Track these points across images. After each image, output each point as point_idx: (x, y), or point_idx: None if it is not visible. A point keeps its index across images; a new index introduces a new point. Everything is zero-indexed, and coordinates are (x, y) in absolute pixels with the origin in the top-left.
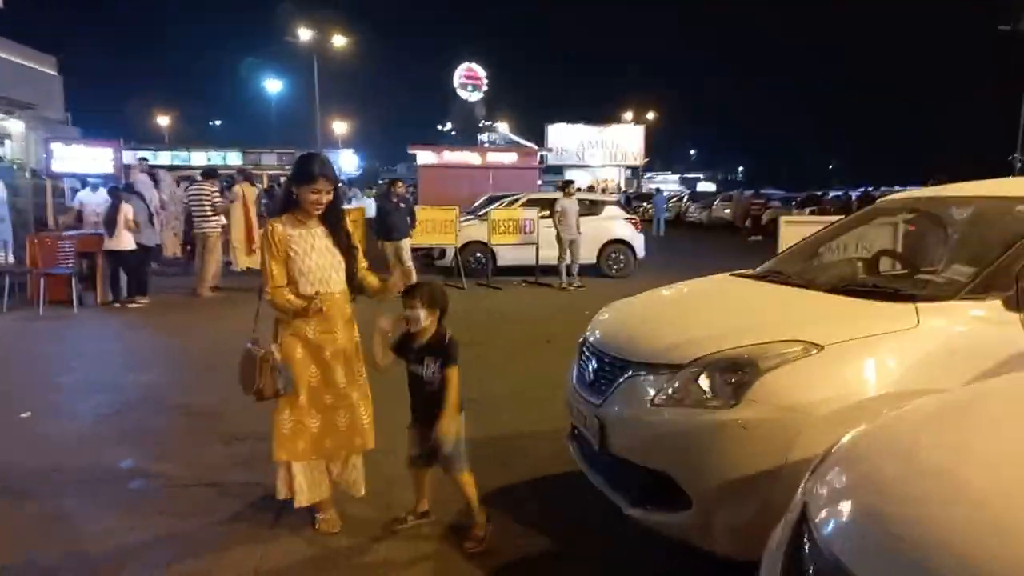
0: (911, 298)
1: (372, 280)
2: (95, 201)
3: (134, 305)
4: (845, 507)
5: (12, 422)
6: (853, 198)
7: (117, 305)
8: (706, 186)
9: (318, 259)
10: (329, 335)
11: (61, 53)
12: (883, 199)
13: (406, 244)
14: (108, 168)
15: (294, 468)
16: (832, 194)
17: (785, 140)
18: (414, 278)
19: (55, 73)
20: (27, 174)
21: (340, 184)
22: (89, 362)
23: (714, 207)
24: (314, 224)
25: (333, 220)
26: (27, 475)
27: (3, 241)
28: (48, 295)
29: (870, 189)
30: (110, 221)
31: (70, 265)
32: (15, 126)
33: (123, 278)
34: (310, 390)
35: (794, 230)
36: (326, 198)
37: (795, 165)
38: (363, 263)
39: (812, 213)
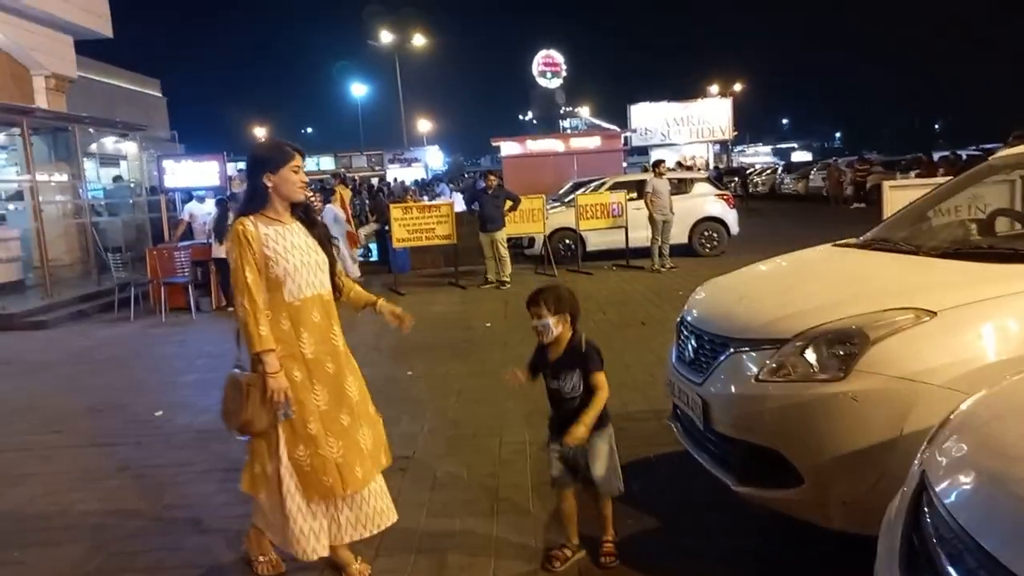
0: None
1: (359, 293)
2: (203, 212)
3: None
4: (966, 474)
5: (148, 420)
6: (964, 157)
7: (230, 309)
8: (801, 155)
9: (302, 257)
10: (327, 345)
11: (163, 75)
12: (997, 155)
13: (501, 235)
14: (214, 180)
15: (298, 513)
16: (938, 155)
17: (885, 102)
18: (509, 268)
19: (159, 95)
20: (141, 191)
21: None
22: (210, 362)
23: (811, 177)
24: (289, 220)
25: (308, 213)
26: (166, 466)
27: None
28: (168, 303)
29: (985, 146)
30: (220, 231)
31: (186, 274)
32: (130, 147)
33: None
34: (321, 415)
35: (900, 195)
36: (305, 176)
37: (897, 127)
38: (338, 265)
39: (918, 176)
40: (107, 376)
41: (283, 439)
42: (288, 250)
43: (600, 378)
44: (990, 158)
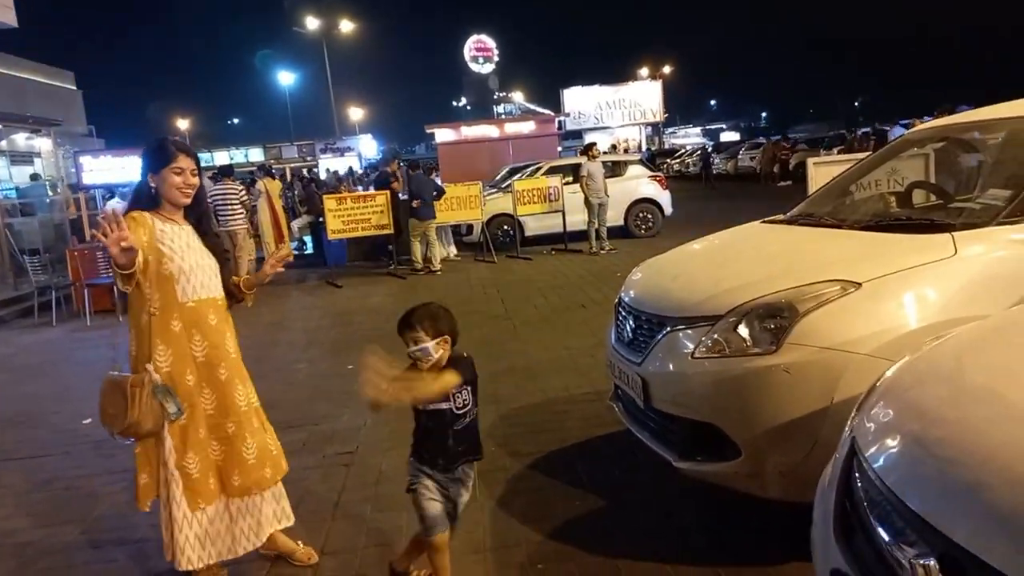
0: (947, 227)
1: (243, 276)
2: (124, 210)
3: None
4: (892, 437)
5: (75, 428)
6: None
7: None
8: (730, 136)
9: (198, 259)
10: (220, 350)
11: (77, 67)
12: (912, 130)
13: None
14: (137, 176)
15: (183, 520)
16: (860, 131)
17: (809, 81)
18: (438, 257)
19: (74, 88)
20: (58, 188)
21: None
22: None
23: (739, 156)
24: (182, 221)
25: (201, 218)
26: (96, 475)
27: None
28: (93, 305)
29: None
30: None
31: (110, 274)
32: (43, 144)
33: None
34: (207, 419)
35: (823, 171)
36: (192, 179)
37: (820, 106)
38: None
39: (840, 152)
40: (29, 385)
41: (170, 446)
42: (184, 249)
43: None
44: (906, 132)
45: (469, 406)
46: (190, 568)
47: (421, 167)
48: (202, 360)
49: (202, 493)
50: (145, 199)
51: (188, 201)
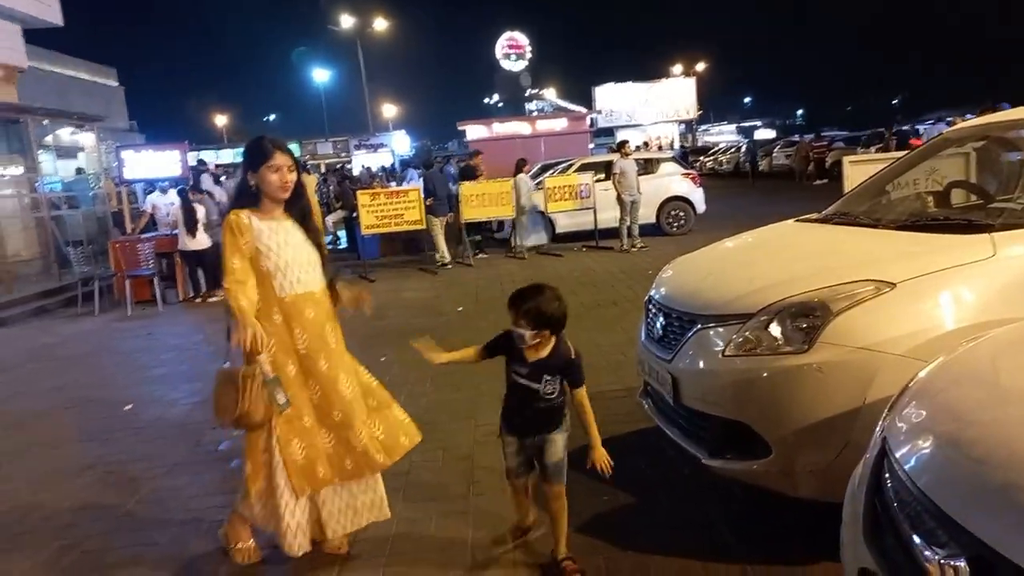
0: (986, 228)
1: (340, 288)
2: (165, 203)
3: (214, 299)
4: (925, 438)
5: (117, 415)
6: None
7: (198, 300)
8: (764, 133)
9: (295, 254)
10: (320, 341)
11: (118, 64)
12: (952, 128)
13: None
14: (176, 171)
15: (286, 509)
16: (897, 128)
17: (845, 79)
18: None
19: (116, 84)
20: (101, 183)
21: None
22: (178, 355)
23: (774, 154)
24: (282, 217)
25: (302, 212)
26: (137, 461)
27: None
28: (134, 296)
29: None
30: (189, 223)
31: (151, 266)
32: (87, 138)
33: (201, 274)
34: (315, 409)
35: (860, 169)
36: (290, 176)
37: (858, 104)
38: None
39: (878, 151)
40: (73, 373)
41: (278, 434)
42: (281, 246)
43: (584, 393)
44: (945, 131)
45: (556, 394)
46: (300, 553)
47: (450, 160)
48: (304, 352)
49: (309, 479)
50: (246, 196)
51: (286, 196)
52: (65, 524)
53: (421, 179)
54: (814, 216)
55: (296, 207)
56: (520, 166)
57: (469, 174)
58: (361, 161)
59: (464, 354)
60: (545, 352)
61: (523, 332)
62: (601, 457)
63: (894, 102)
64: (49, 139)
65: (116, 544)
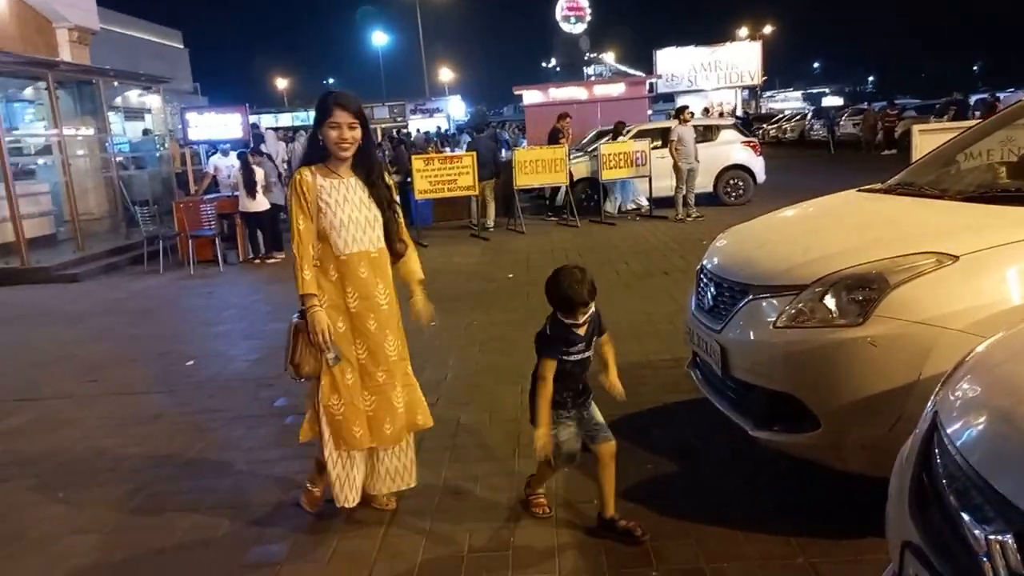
0: None
1: (410, 269)
2: (227, 165)
3: (272, 260)
4: (978, 414)
5: (180, 369)
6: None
7: (257, 261)
8: (832, 100)
9: (352, 212)
10: (370, 301)
11: (183, 26)
12: None
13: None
14: (237, 133)
15: (329, 460)
16: (976, 98)
17: (922, 43)
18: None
19: (181, 46)
20: (166, 144)
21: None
22: (238, 313)
23: (841, 123)
24: (347, 174)
25: (368, 170)
26: (199, 412)
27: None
28: (196, 255)
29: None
30: (249, 185)
31: (212, 227)
32: (153, 100)
33: (260, 235)
34: (360, 368)
35: (929, 139)
36: (349, 134)
37: (934, 69)
38: (403, 227)
39: (951, 120)
40: (139, 327)
41: (322, 386)
42: (339, 203)
43: (607, 335)
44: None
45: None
46: (348, 506)
47: (505, 126)
48: (355, 310)
49: (346, 438)
50: (315, 151)
51: (347, 154)
52: (132, 467)
53: (467, 144)
54: (877, 186)
55: (364, 164)
56: (619, 129)
57: (554, 137)
58: (416, 125)
59: (547, 398)
60: (586, 321)
61: (593, 310)
62: (617, 383)
63: (974, 68)
64: (118, 100)
65: (179, 489)
